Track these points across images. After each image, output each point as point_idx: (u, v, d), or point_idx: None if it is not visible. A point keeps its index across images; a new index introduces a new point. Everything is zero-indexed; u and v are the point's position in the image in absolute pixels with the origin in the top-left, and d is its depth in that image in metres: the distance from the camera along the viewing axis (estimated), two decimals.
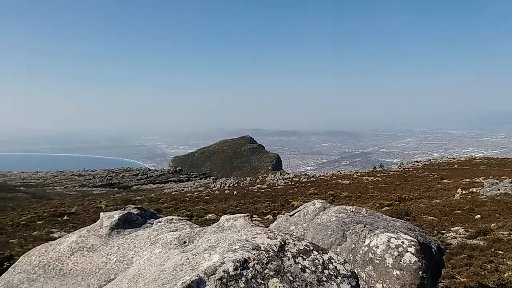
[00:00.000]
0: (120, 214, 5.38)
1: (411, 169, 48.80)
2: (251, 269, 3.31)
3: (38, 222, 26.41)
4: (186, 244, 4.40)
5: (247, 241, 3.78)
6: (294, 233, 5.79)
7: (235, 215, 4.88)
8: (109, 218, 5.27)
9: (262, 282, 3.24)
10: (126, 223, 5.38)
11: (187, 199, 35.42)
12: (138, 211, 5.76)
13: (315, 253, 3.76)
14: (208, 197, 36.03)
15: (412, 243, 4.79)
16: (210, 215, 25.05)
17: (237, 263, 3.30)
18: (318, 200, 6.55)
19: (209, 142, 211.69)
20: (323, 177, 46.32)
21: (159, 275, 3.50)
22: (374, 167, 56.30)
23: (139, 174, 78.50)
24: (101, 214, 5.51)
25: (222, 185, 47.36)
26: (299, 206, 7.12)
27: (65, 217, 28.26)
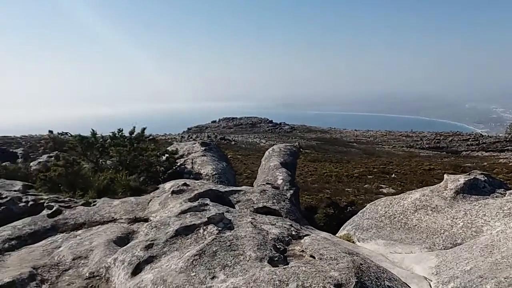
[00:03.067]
0: (466, 179, 5.10)
1: None
2: None
3: (369, 176, 29.14)
4: None
5: None
6: None
7: None
8: (453, 181, 5.11)
9: None
10: (472, 189, 5.06)
11: None
12: (486, 178, 5.29)
13: None
14: None
15: None
16: None
17: None
18: None
19: None
20: None
21: None
22: None
23: (470, 140, 72.51)
24: (445, 176, 5.40)
25: None
26: None
27: (392, 175, 29.89)
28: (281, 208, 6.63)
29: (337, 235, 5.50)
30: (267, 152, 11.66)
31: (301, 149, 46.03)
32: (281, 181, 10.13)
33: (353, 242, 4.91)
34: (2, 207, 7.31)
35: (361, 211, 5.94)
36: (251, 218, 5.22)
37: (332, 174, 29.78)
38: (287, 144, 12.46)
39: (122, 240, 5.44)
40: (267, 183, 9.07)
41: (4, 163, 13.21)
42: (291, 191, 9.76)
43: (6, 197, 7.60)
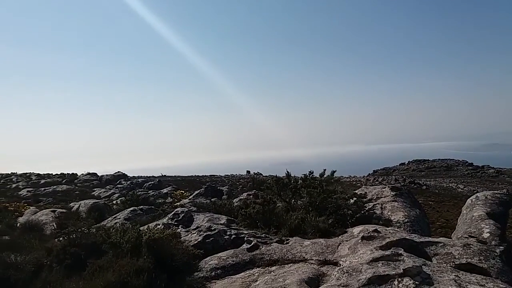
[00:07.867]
0: None
1: None
2: None
3: None
4: None
5: None
6: None
7: None
8: None
9: None
10: None
11: None
12: None
13: None
14: None
15: None
16: None
17: None
18: None
19: None
20: None
21: None
22: None
23: None
24: None
25: None
26: None
27: None
28: (490, 267, 5.69)
29: None
30: (469, 200, 10.28)
31: None
32: (488, 234, 8.72)
33: None
34: (211, 238, 8.44)
35: None
36: (454, 275, 4.64)
37: None
38: (496, 191, 10.74)
39: (313, 281, 5.55)
40: (470, 236, 7.96)
41: (213, 199, 15.36)
42: (501, 247, 8.28)
43: (214, 230, 8.76)
